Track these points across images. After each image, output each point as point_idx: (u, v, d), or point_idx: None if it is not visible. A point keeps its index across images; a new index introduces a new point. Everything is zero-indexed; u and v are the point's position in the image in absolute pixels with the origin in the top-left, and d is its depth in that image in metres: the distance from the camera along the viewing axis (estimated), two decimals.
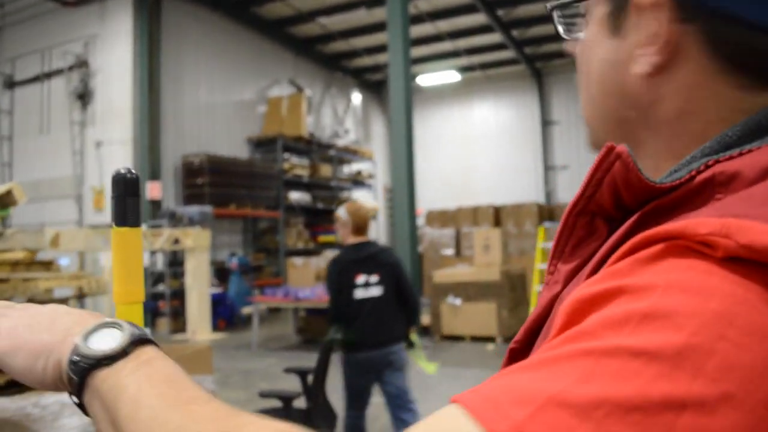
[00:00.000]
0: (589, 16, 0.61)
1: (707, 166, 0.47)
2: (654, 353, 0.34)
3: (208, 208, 10.26)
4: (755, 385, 0.33)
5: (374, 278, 3.77)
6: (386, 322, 3.78)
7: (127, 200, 0.60)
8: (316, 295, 8.30)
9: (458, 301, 8.67)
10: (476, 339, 8.50)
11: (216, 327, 9.93)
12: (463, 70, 16.53)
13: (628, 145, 0.49)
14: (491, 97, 17.56)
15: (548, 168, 16.87)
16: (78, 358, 0.50)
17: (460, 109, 17.83)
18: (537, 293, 8.11)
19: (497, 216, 14.02)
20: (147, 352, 0.51)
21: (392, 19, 9.12)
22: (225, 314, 10.39)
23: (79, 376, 0.50)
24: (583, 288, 0.41)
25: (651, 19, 0.53)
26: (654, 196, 0.48)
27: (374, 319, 3.73)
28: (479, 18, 13.20)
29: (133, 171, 0.61)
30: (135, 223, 0.60)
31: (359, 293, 3.75)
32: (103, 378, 0.49)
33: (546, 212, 14.42)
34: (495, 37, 14.44)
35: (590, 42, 0.60)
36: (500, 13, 13.09)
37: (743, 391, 0.32)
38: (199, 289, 9.25)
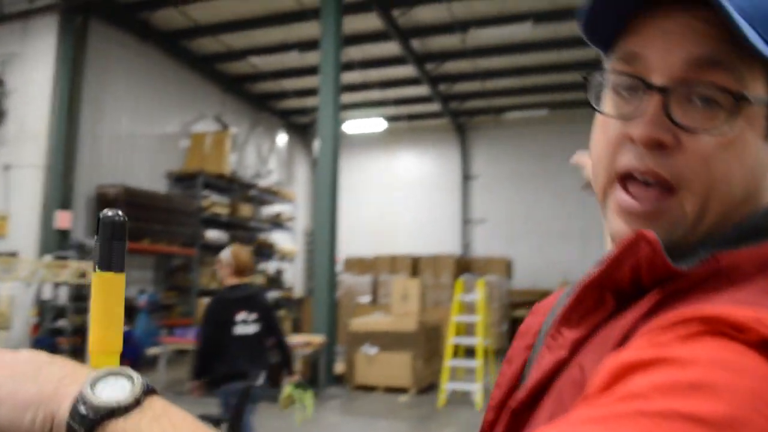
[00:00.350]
0: (730, 113, 0.56)
1: (714, 257, 0.54)
2: (703, 419, 0.38)
3: None
4: None
5: (252, 316, 4.16)
6: (257, 358, 4.15)
7: (114, 244, 0.56)
8: None
9: (374, 350, 8.61)
10: (390, 390, 8.42)
11: None
12: (390, 119, 16.83)
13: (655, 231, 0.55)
14: (415, 148, 17.92)
15: (466, 221, 17.25)
16: (85, 409, 0.46)
17: (384, 157, 18.08)
18: (452, 345, 8.17)
19: (415, 266, 14.15)
20: (157, 401, 0.48)
21: (325, 65, 9.21)
22: (130, 354, 9.87)
23: (88, 427, 0.46)
24: (626, 353, 0.45)
25: None
26: (671, 277, 0.54)
27: (248, 353, 4.07)
28: (408, 70, 13.53)
29: (121, 214, 0.57)
30: (119, 269, 0.57)
31: (238, 329, 4.09)
32: (117, 430, 0.46)
33: (463, 264, 14.67)
34: (422, 90, 14.82)
35: (738, 140, 0.57)
36: (429, 67, 13.48)
37: None
38: None
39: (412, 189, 17.69)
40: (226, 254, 4.29)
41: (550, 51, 12.69)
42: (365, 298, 13.61)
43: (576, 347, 0.59)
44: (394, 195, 17.75)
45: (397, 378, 8.41)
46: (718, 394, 0.39)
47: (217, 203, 13.05)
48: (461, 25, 11.54)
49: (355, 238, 16.14)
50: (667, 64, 0.57)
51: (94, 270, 0.56)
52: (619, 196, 0.60)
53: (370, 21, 11.14)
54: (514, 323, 14.53)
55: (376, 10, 10.57)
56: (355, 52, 12.53)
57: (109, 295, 0.56)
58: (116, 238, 0.56)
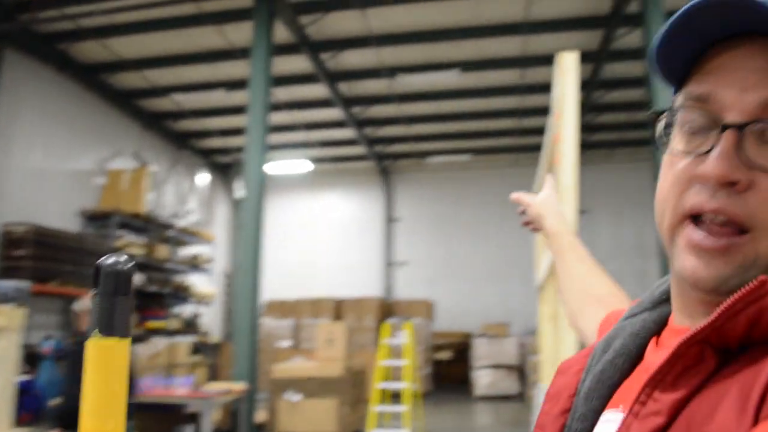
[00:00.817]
0: None
1: None
2: None
3: (25, 284, 9.20)
4: None
5: None
6: None
7: (117, 300, 0.43)
8: (141, 387, 7.58)
9: (297, 397, 8.34)
10: None
11: (19, 421, 8.70)
12: (315, 161, 16.77)
13: None
14: (340, 190, 17.89)
15: (389, 263, 17.25)
16: None
17: (308, 199, 17.95)
18: (379, 390, 8.03)
19: (338, 308, 13.98)
20: None
21: (253, 104, 9.07)
22: (30, 406, 9.14)
23: None
24: None
25: None
26: None
27: None
28: (335, 113, 13.57)
29: (127, 261, 0.44)
30: (124, 334, 0.44)
31: None
32: None
33: (386, 307, 14.62)
34: (348, 133, 14.87)
35: None
36: (355, 110, 13.56)
37: None
38: (3, 376, 8.11)
39: (335, 231, 17.60)
40: (80, 305, 4.23)
41: (474, 98, 13.06)
42: (286, 343, 13.28)
43: (676, 411, 0.52)
44: (318, 237, 17.60)
45: (322, 425, 8.16)
46: None
47: (132, 243, 12.48)
48: (389, 71, 11.71)
49: (276, 280, 15.81)
50: (743, 103, 0.54)
51: (92, 336, 0.44)
52: (691, 232, 0.57)
53: (299, 63, 11.14)
54: (437, 366, 14.51)
55: (306, 53, 10.58)
56: (282, 93, 12.47)
57: (110, 369, 0.43)
58: (120, 292, 0.44)
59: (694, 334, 0.52)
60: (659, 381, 0.54)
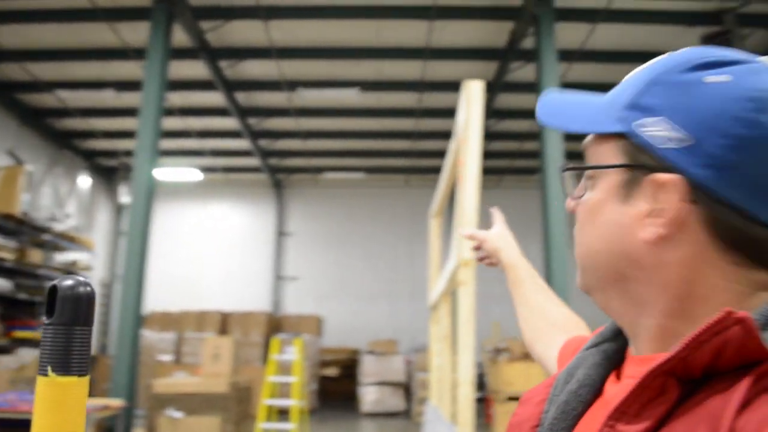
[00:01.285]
0: (597, 180, 0.69)
1: None
2: None
3: None
4: None
5: None
6: None
7: (75, 332, 0.37)
8: (10, 403, 7.01)
9: (179, 414, 8.01)
10: None
11: None
12: (206, 170, 16.32)
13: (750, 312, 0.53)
14: (230, 201, 17.47)
15: (279, 278, 17.01)
16: None
17: (197, 208, 17.39)
18: (266, 407, 7.86)
19: (224, 322, 13.60)
20: None
21: (146, 107, 8.71)
22: None
23: None
24: None
25: (663, 195, 0.61)
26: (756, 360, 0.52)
27: None
28: (230, 122, 13.29)
29: (87, 282, 0.39)
30: (82, 372, 0.38)
31: None
32: None
33: (274, 322, 14.39)
34: (242, 144, 14.60)
35: (598, 203, 0.67)
36: (252, 121, 13.35)
37: None
38: None
39: (224, 242, 17.14)
40: None
41: (372, 118, 13.22)
42: (167, 357, 12.76)
43: None
44: (206, 248, 17.06)
45: None
46: None
47: (1, 246, 11.59)
48: (289, 84, 11.64)
49: (159, 290, 15.17)
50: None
51: (43, 374, 0.37)
52: None
53: (197, 68, 10.84)
54: (324, 382, 14.42)
55: (204, 59, 10.31)
56: (176, 98, 12.07)
57: (63, 412, 0.36)
58: (80, 321, 0.38)
59: (661, 364, 0.54)
60: (623, 413, 0.56)
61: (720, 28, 9.23)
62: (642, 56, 10.79)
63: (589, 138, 0.71)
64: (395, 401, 13.22)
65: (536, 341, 1.15)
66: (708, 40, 9.13)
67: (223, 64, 10.87)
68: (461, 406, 2.22)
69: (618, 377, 0.70)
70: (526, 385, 10.09)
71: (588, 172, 0.70)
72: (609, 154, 0.67)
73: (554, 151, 8.43)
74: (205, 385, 8.14)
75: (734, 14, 9.25)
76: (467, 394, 2.27)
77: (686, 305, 0.60)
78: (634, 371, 0.65)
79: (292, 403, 7.79)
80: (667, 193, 0.60)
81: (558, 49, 8.81)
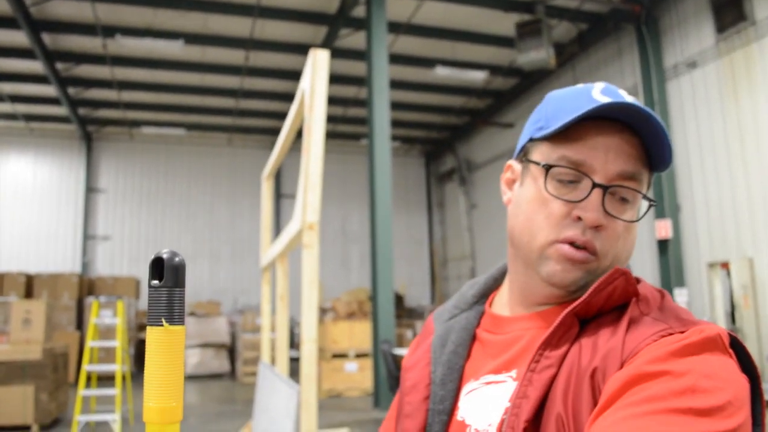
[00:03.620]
0: (633, 207, 0.85)
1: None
2: (706, 410, 0.61)
3: None
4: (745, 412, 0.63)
5: None
6: None
7: (176, 292, 0.51)
8: None
9: None
10: (6, 429, 7.31)
11: None
12: (3, 117, 14.70)
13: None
14: (32, 153, 15.89)
15: (89, 237, 15.92)
16: None
17: None
18: (87, 372, 7.48)
19: (29, 285, 12.56)
20: None
21: None
22: None
23: None
24: (637, 367, 0.66)
25: None
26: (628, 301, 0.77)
27: None
28: (35, 66, 12.10)
29: (179, 254, 0.52)
30: (181, 321, 0.51)
31: None
32: None
33: (87, 284, 13.53)
34: (48, 90, 13.36)
35: (630, 226, 0.84)
36: (60, 66, 12.24)
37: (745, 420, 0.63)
38: None
39: (25, 198, 15.61)
40: None
41: (196, 72, 12.73)
42: None
43: (561, 362, 0.75)
44: (3, 203, 15.43)
45: (16, 415, 7.35)
46: (713, 394, 0.62)
47: None
48: (106, 30, 10.82)
49: None
50: (606, 172, 0.81)
51: (158, 324, 0.50)
52: (566, 249, 0.81)
53: None
54: (143, 346, 13.90)
55: None
56: None
57: (171, 354, 0.50)
58: (179, 284, 0.51)
59: (574, 307, 0.76)
60: (548, 343, 0.76)
61: (532, 17, 10.12)
62: (462, 35, 11.43)
63: (643, 170, 0.83)
64: (219, 363, 13.15)
65: None
66: (521, 27, 9.98)
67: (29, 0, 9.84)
68: (305, 362, 2.35)
69: (484, 329, 0.94)
70: (351, 343, 10.58)
71: (633, 198, 0.84)
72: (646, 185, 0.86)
73: (382, 119, 8.75)
74: (15, 352, 7.55)
75: (545, 6, 10.19)
76: (311, 350, 2.41)
77: None
78: (511, 324, 0.89)
79: (115, 367, 7.50)
80: None
81: (389, 19, 9.10)
